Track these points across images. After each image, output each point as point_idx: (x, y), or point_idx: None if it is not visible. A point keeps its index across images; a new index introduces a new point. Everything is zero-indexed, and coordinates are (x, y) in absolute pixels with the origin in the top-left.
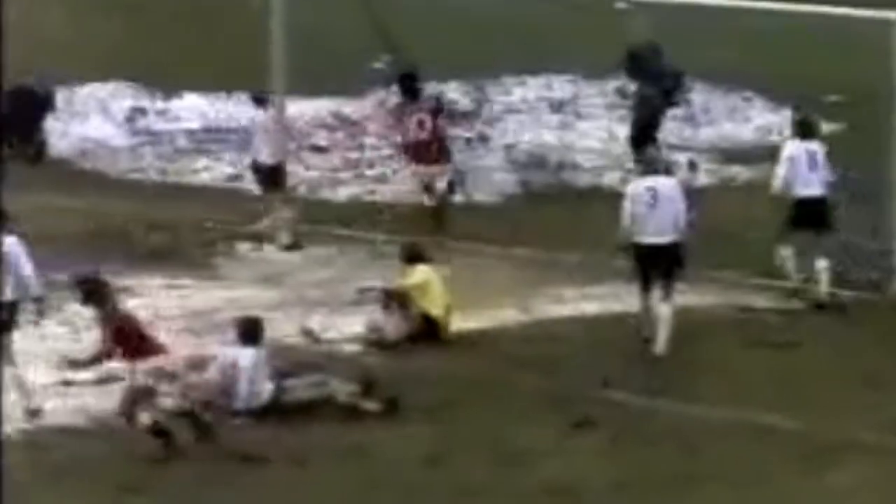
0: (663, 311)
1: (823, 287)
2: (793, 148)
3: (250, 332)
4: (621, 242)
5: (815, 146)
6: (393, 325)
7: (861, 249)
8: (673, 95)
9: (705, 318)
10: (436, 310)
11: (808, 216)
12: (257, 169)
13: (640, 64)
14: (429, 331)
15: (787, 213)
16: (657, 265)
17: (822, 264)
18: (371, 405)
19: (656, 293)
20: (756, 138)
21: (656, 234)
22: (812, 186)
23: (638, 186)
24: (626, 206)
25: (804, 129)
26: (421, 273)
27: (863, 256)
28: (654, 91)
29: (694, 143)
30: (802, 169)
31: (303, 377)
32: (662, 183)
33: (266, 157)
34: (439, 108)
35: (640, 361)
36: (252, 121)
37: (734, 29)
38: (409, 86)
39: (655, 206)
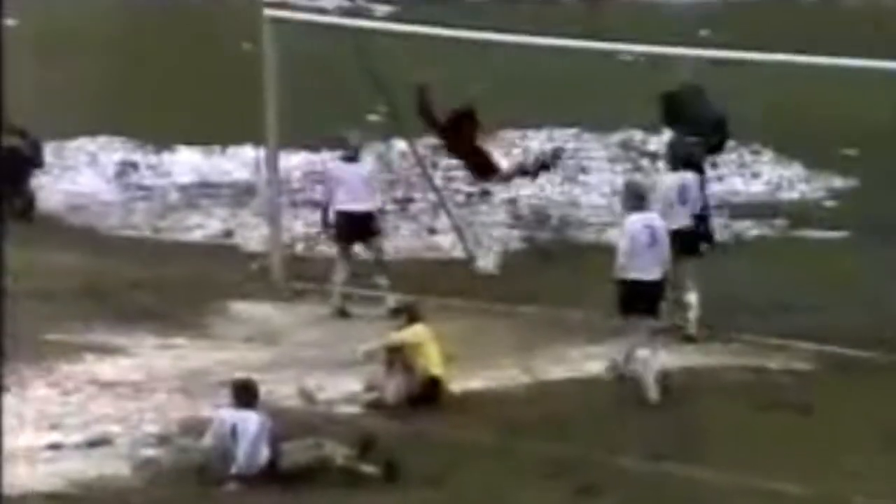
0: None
1: (692, 324)
2: (666, 180)
3: (251, 394)
4: (617, 278)
5: (688, 177)
6: (394, 386)
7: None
8: (714, 143)
9: (716, 379)
10: (436, 370)
11: (678, 246)
12: (353, 219)
13: (678, 108)
14: (430, 392)
15: None
16: (646, 302)
17: (691, 298)
18: (369, 468)
19: (644, 336)
20: (765, 193)
21: (651, 271)
22: (679, 219)
23: (636, 224)
24: (625, 243)
25: (677, 161)
26: (417, 332)
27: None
28: (693, 138)
29: None
30: (673, 202)
31: (298, 440)
32: (654, 219)
33: (357, 204)
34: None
35: (647, 424)
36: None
37: (742, 80)
38: None
39: (654, 245)
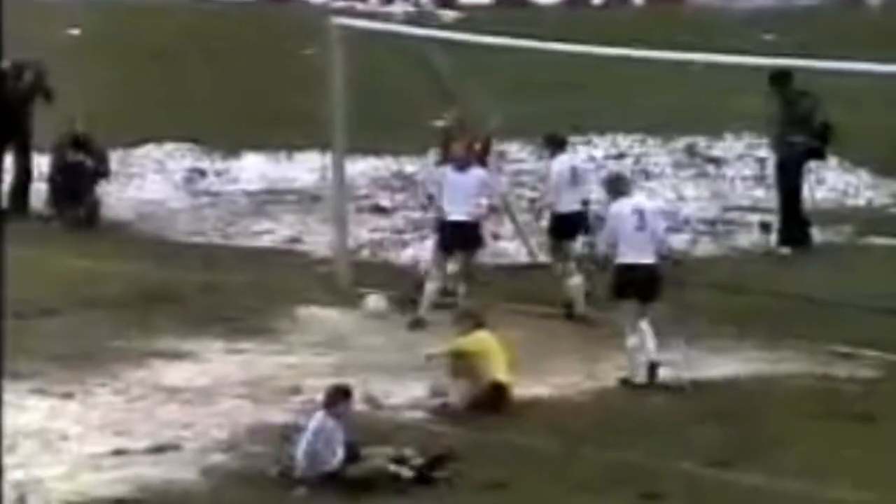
0: (644, 326)
1: (580, 304)
2: (556, 164)
3: (330, 397)
4: (606, 262)
5: (578, 161)
6: (458, 392)
7: None
8: (817, 148)
9: (781, 386)
10: (500, 376)
11: (569, 229)
12: (456, 229)
13: (793, 98)
14: (494, 398)
15: (551, 226)
16: (640, 286)
17: (575, 281)
18: (440, 474)
19: (641, 317)
20: (832, 200)
21: (641, 255)
22: (569, 201)
23: (624, 207)
24: (613, 226)
25: (556, 145)
26: (481, 338)
27: None
28: (802, 138)
29: (766, 204)
30: (564, 185)
31: (369, 447)
32: (646, 204)
33: (461, 214)
34: None
35: (711, 431)
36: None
37: (805, 85)
38: None
39: (643, 229)
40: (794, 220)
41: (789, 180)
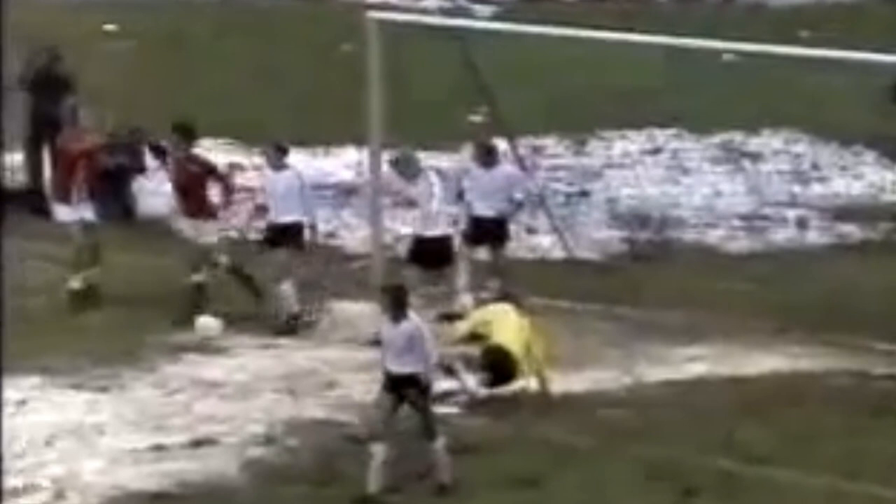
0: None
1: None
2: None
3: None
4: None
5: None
6: (472, 379)
7: None
8: None
9: (819, 383)
10: (506, 343)
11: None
12: (484, 224)
13: None
14: (495, 360)
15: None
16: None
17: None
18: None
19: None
20: (869, 195)
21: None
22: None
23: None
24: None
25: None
26: (492, 309)
27: None
28: None
29: (803, 199)
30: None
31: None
32: None
33: (488, 210)
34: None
35: (749, 427)
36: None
37: (844, 82)
38: None
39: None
40: None
41: None
